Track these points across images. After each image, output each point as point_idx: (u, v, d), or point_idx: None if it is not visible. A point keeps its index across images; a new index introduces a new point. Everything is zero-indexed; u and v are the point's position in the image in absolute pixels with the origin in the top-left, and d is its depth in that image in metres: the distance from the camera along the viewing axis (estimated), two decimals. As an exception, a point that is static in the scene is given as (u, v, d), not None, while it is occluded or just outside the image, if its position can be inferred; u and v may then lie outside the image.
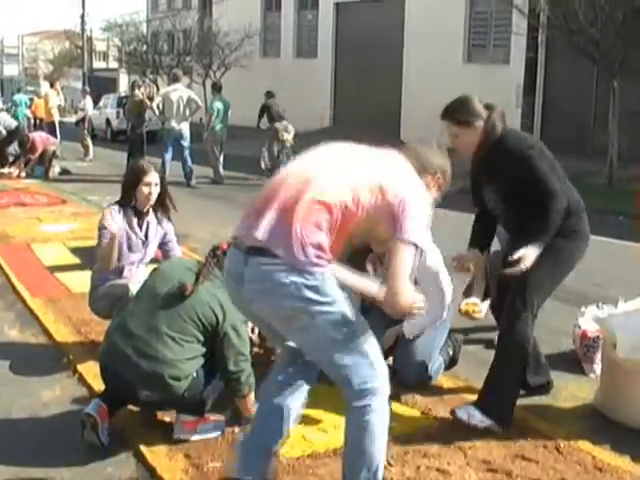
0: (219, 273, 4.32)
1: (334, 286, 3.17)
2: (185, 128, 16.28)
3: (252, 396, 4.33)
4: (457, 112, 4.61)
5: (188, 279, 4.25)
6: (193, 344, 4.15)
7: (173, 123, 16.12)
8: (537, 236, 4.38)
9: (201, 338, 4.17)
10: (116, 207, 5.55)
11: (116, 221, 5.45)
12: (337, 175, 3.24)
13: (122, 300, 4.94)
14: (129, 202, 5.53)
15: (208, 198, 14.59)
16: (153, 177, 5.49)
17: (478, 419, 4.45)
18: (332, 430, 4.29)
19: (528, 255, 4.32)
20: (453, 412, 4.55)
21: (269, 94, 19.08)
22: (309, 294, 3.10)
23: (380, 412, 3.29)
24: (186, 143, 16.26)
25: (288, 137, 17.95)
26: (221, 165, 17.20)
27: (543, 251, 4.39)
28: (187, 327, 4.13)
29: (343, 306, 3.19)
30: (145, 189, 5.46)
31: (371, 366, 3.24)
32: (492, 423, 4.44)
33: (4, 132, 17.48)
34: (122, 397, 4.26)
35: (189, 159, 16.23)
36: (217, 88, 17.71)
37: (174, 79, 16.94)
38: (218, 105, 17.13)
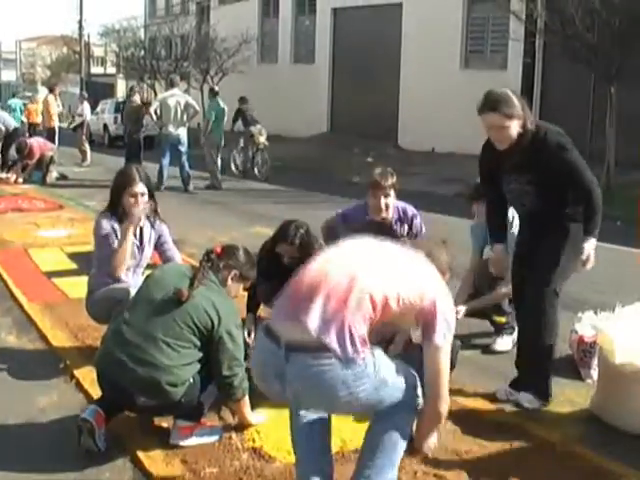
0: (214, 277, 4.32)
1: (372, 360, 3.22)
2: (183, 133, 16.29)
3: (246, 399, 4.33)
4: (502, 104, 4.69)
5: (183, 284, 4.25)
6: (189, 350, 4.14)
7: (170, 128, 16.11)
8: (591, 230, 4.70)
9: (197, 343, 4.16)
10: (108, 214, 5.53)
11: (109, 227, 5.44)
12: (384, 273, 3.29)
13: (122, 304, 4.89)
14: (118, 208, 5.52)
15: (205, 203, 14.59)
16: (139, 187, 5.43)
17: (528, 399, 4.93)
18: (338, 433, 4.21)
19: (592, 251, 4.67)
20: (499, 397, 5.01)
21: (243, 100, 19.56)
22: (355, 383, 3.16)
23: (413, 412, 3.41)
24: (184, 148, 16.25)
25: (263, 140, 19.00)
26: (219, 170, 17.21)
27: (561, 236, 4.76)
28: (183, 333, 4.12)
29: (383, 369, 3.27)
30: (131, 199, 5.42)
31: (407, 389, 3.36)
32: (541, 403, 4.93)
33: (3, 129, 17.52)
34: (119, 403, 4.26)
35: (186, 164, 16.23)
36: (214, 93, 17.79)
37: (171, 84, 17.00)
38: (215, 110, 17.17)
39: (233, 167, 19.39)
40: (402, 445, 3.40)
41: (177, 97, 16.37)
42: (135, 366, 4.07)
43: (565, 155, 4.67)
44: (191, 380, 4.15)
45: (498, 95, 4.73)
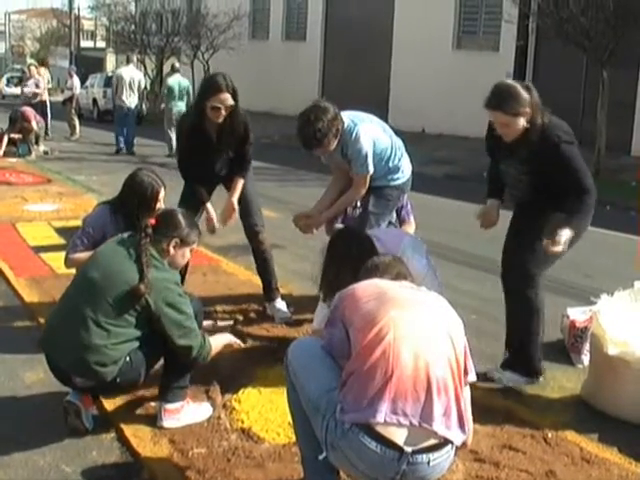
0: (154, 251, 4.09)
1: None
2: (133, 105, 18.62)
3: (213, 350, 4.21)
4: (506, 101, 4.66)
5: (117, 260, 4.05)
6: (123, 328, 3.97)
7: (125, 100, 18.45)
8: (571, 224, 4.61)
9: (132, 321, 3.98)
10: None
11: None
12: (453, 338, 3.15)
13: None
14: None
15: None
16: None
17: (512, 379, 5.00)
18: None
19: (564, 238, 4.56)
20: (490, 377, 5.00)
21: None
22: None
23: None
24: (132, 119, 18.70)
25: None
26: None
27: (542, 223, 4.70)
28: (115, 311, 3.94)
29: None
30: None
31: None
32: (526, 379, 4.99)
33: None
34: (66, 384, 4.18)
35: (131, 130, 18.69)
36: (174, 69, 18.61)
37: (127, 61, 19.48)
38: (171, 84, 18.06)
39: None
40: None
41: (131, 72, 18.79)
42: (67, 347, 3.96)
43: (561, 151, 4.62)
44: (127, 359, 3.99)
45: (503, 91, 4.70)
